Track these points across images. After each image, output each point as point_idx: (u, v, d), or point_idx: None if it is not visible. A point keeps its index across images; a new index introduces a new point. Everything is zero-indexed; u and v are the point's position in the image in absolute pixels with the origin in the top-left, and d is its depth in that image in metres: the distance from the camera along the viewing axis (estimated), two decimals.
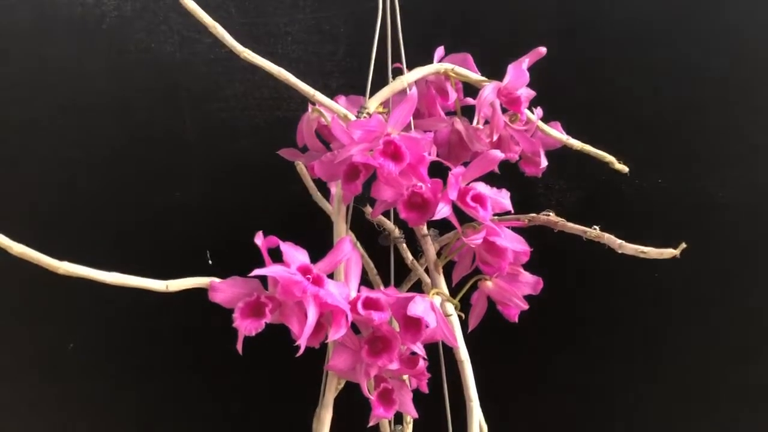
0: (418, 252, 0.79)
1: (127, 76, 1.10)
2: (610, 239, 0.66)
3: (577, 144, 0.82)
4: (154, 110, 1.11)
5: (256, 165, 1.10)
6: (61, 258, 0.55)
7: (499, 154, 0.69)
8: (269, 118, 1.10)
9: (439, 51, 0.81)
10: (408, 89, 0.73)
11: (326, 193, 0.86)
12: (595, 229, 0.68)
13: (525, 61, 0.74)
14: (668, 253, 0.57)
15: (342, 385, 0.79)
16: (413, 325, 0.65)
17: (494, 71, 0.78)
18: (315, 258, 0.64)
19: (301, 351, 0.62)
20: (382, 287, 0.83)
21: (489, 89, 0.74)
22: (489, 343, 0.91)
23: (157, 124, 1.11)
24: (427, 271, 0.78)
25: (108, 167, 1.11)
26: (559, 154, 0.83)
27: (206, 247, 1.11)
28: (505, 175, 0.78)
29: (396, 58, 0.83)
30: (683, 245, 0.56)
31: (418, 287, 0.83)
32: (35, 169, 1.11)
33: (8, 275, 1.03)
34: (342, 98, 0.84)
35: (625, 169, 0.85)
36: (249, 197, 1.13)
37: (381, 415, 0.69)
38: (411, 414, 0.75)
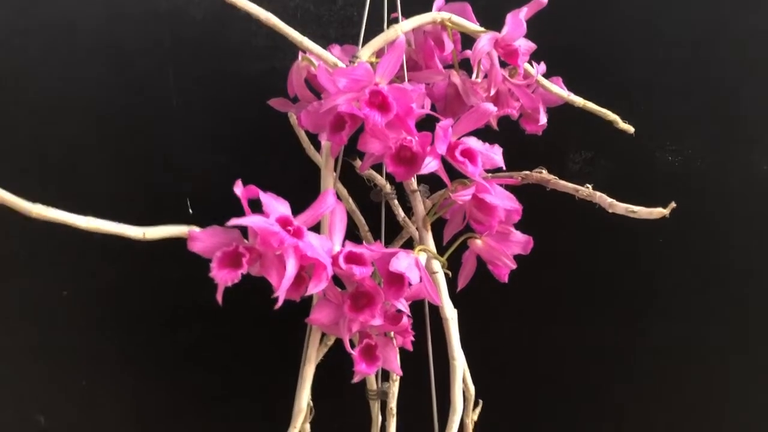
0: (410, 208, 0.77)
1: (119, 24, 1.08)
2: (601, 198, 0.64)
3: (578, 101, 0.79)
4: (145, 60, 1.08)
5: (250, 117, 1.08)
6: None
7: (491, 108, 0.67)
8: (265, 69, 1.07)
9: (439, 1, 0.78)
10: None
11: (320, 146, 0.84)
12: (587, 187, 0.66)
13: (523, 11, 0.71)
14: (657, 212, 0.54)
15: (332, 342, 0.78)
16: (396, 281, 0.64)
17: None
18: None
19: (280, 303, 0.61)
20: None
21: (485, 40, 0.71)
22: (481, 303, 0.90)
23: (148, 74, 1.08)
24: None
25: (99, 118, 1.09)
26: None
27: (192, 201, 1.09)
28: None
29: (395, 7, 0.80)
30: (673, 204, 0.53)
31: (410, 245, 0.81)
32: (21, 121, 1.09)
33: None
34: (336, 47, 0.82)
35: (630, 129, 0.82)
36: (243, 150, 1.11)
37: (363, 371, 0.69)
38: (395, 371, 0.74)
